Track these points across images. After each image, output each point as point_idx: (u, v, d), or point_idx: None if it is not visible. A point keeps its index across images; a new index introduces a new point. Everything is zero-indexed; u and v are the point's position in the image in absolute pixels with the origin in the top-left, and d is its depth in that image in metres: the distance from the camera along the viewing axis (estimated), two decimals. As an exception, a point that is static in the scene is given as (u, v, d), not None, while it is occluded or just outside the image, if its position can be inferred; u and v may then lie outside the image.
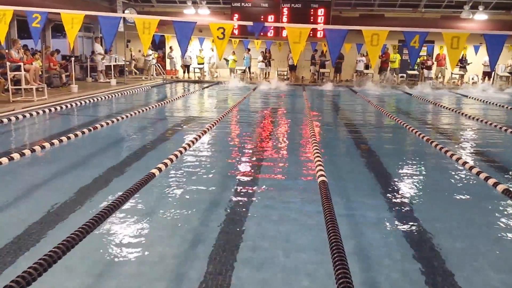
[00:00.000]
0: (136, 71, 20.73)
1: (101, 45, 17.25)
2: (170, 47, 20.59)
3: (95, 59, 17.07)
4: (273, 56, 21.16)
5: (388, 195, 4.74)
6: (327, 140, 7.83)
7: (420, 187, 5.13)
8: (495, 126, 8.87)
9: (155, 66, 20.51)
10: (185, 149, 6.07)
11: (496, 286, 2.96)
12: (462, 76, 20.36)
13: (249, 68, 20.80)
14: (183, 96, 14.46)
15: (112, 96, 12.99)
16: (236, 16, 19.47)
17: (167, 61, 21.43)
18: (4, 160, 5.12)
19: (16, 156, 5.36)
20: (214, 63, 21.32)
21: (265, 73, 20.93)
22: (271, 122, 9.67)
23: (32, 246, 3.28)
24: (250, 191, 4.73)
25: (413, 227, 3.88)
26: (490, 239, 3.75)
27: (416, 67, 19.97)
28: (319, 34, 18.81)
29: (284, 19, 19.30)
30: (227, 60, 20.12)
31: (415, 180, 5.38)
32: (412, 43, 7.19)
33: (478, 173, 5.21)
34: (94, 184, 4.80)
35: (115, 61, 18.13)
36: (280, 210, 4.21)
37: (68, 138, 6.60)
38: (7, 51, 11.91)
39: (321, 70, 20.57)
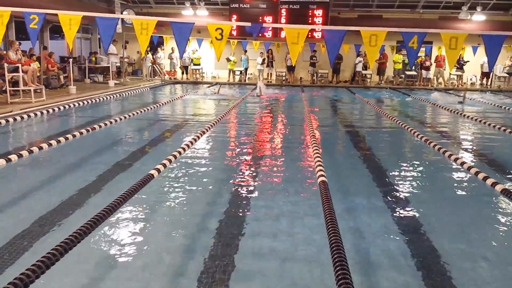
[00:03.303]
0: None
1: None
2: (172, 48, 20.50)
3: (107, 60, 17.15)
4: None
5: (388, 195, 4.73)
6: (326, 140, 7.81)
7: (420, 187, 5.13)
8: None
9: (154, 67, 20.45)
10: (184, 149, 6.05)
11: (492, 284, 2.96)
12: (460, 77, 20.36)
13: (246, 69, 20.74)
14: (181, 97, 14.43)
15: (110, 97, 12.96)
16: (235, 17, 19.46)
17: (167, 61, 21.35)
18: (2, 161, 5.10)
19: (13, 157, 5.33)
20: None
21: (267, 74, 20.86)
22: (270, 123, 9.66)
23: (30, 247, 3.26)
24: (249, 190, 4.72)
25: (412, 227, 3.88)
26: (490, 238, 3.74)
27: (414, 68, 19.98)
28: (317, 35, 18.82)
29: (282, 20, 19.30)
30: (229, 60, 20.01)
31: (416, 181, 5.37)
32: (411, 44, 7.17)
33: (476, 173, 5.22)
34: (92, 185, 4.78)
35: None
36: (279, 209, 4.20)
37: (66, 139, 6.58)
38: (5, 52, 11.87)
39: (320, 71, 20.54)
